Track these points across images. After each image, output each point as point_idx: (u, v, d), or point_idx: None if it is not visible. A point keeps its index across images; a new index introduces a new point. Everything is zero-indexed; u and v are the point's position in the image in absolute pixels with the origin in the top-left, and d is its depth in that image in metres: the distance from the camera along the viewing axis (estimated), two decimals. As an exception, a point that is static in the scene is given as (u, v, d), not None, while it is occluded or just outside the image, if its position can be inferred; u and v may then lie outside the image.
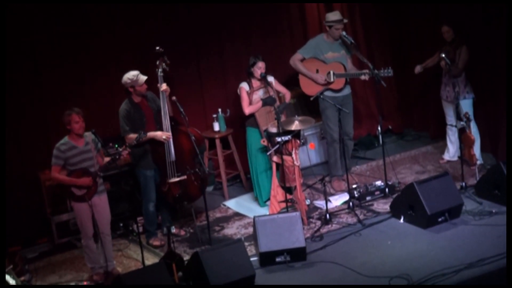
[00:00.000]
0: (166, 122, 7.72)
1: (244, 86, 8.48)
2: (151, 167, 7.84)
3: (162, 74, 7.76)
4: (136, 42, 8.87)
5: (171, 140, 7.74)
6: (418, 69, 9.17)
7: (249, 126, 8.55)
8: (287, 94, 8.71)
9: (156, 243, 8.00)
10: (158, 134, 7.69)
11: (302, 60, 8.87)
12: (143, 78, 7.66)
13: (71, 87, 8.51)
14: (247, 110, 8.43)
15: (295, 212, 7.43)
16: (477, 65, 8.96)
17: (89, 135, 7.18)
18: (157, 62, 7.76)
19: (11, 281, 6.75)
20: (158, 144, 7.72)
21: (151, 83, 7.95)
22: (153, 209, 7.98)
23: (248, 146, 8.61)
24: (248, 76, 8.50)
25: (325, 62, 8.78)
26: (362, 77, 8.66)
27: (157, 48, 7.74)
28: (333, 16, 8.77)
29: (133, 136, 7.49)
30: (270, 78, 8.51)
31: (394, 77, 10.23)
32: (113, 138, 8.15)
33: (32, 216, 8.35)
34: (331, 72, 8.71)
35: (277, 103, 8.45)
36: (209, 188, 8.72)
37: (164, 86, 7.70)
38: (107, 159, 7.29)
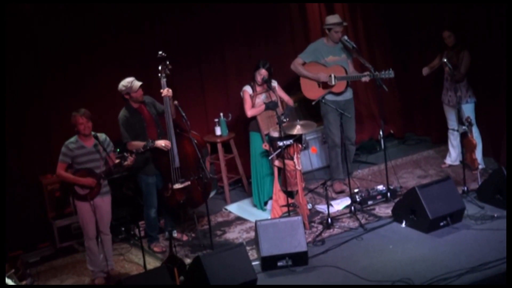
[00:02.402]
0: (170, 126, 7.71)
1: (247, 89, 8.48)
2: (152, 173, 7.82)
3: (165, 79, 7.72)
4: (138, 46, 8.87)
5: (175, 146, 7.73)
6: (426, 70, 9.11)
7: (252, 131, 8.55)
8: (289, 102, 8.69)
9: (157, 249, 7.98)
10: (158, 142, 7.64)
11: (303, 64, 8.88)
12: (138, 84, 7.60)
13: (73, 91, 8.50)
14: (250, 112, 8.43)
15: (297, 217, 7.42)
16: (479, 70, 8.97)
17: (100, 136, 7.20)
18: (159, 68, 7.70)
19: (11, 283, 6.76)
20: (161, 151, 7.71)
21: (154, 87, 7.94)
22: (154, 215, 7.97)
23: (252, 151, 8.60)
24: (252, 79, 8.51)
25: (326, 66, 8.79)
26: (363, 79, 8.65)
27: (160, 52, 7.67)
28: (333, 19, 8.79)
29: (136, 143, 7.51)
30: (274, 83, 8.51)
31: (396, 82, 10.25)
32: (115, 142, 8.15)
33: (33, 220, 8.35)
34: (332, 75, 8.71)
35: (280, 108, 8.45)
36: (212, 193, 8.70)
37: (165, 91, 7.65)
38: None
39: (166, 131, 7.74)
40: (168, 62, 7.67)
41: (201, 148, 7.80)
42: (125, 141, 7.66)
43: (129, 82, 7.59)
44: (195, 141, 7.68)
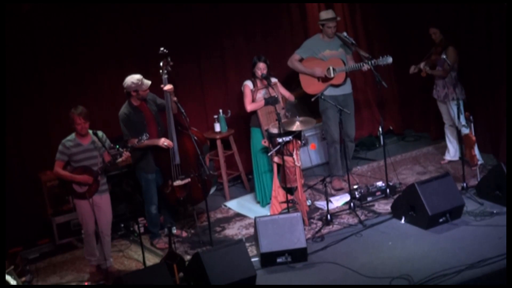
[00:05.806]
0: (171, 122, 7.71)
1: (249, 83, 8.48)
2: (152, 170, 7.82)
3: (167, 75, 7.74)
4: (137, 43, 8.88)
5: (175, 143, 7.73)
6: (412, 69, 9.13)
7: (253, 127, 8.54)
8: (291, 98, 8.69)
9: (161, 245, 7.96)
10: (160, 141, 7.67)
11: (300, 60, 8.88)
12: (148, 83, 7.63)
13: (72, 88, 8.51)
14: (249, 107, 8.42)
15: (296, 213, 7.43)
16: (478, 66, 8.97)
17: (98, 134, 7.20)
18: (161, 64, 7.73)
19: (12, 281, 6.76)
20: (161, 148, 7.71)
21: (153, 84, 7.94)
22: (155, 212, 7.98)
23: (253, 147, 8.60)
24: (252, 76, 8.51)
25: (323, 60, 8.79)
26: (363, 68, 8.61)
27: (161, 49, 7.70)
28: (326, 14, 8.81)
29: (134, 140, 7.52)
30: (274, 80, 8.51)
31: (395, 78, 10.26)
32: (114, 139, 8.14)
33: (33, 217, 8.35)
34: (331, 68, 8.71)
35: (280, 104, 8.44)
36: (212, 190, 8.71)
37: (167, 86, 7.69)
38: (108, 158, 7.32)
39: (167, 128, 7.75)
40: (169, 59, 7.70)
41: (201, 144, 7.80)
42: (125, 138, 7.67)
43: (139, 80, 7.59)
44: (195, 137, 7.68)
